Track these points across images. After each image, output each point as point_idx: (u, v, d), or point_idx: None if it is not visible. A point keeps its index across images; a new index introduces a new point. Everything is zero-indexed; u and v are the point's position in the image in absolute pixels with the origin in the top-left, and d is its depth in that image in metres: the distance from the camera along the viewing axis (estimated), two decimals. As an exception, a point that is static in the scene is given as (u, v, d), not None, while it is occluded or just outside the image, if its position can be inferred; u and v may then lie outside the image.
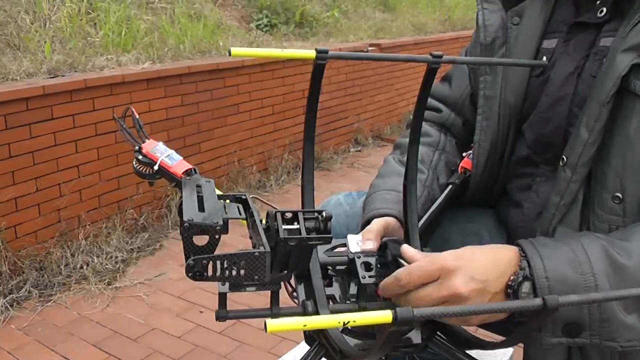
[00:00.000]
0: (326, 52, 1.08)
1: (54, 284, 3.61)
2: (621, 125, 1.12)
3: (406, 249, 1.16)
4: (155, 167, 1.36)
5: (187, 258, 0.93)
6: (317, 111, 1.17)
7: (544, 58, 1.35)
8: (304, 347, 1.24)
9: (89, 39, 4.67)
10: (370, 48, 6.61)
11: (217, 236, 0.97)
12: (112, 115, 3.97)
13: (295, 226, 1.06)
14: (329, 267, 1.23)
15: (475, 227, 1.51)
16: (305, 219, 1.07)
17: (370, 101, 6.88)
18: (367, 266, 1.20)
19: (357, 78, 6.58)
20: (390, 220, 1.36)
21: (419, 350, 1.18)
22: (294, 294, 1.17)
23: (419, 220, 1.35)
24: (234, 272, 0.93)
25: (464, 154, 1.54)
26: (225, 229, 1.02)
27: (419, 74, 8.07)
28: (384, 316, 0.72)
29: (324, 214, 1.08)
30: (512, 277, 1.04)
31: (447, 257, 1.06)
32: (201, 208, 1.02)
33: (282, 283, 1.13)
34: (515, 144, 1.43)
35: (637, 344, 1.03)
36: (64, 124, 3.79)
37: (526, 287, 1.03)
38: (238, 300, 1.29)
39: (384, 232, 1.32)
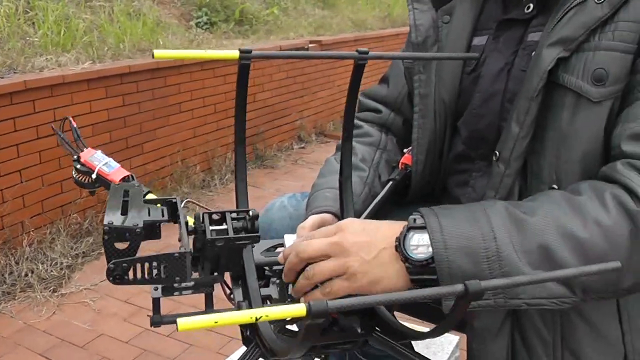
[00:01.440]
0: (250, 52, 1.08)
1: (-1, 293, 3.53)
2: (553, 118, 1.14)
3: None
4: (93, 176, 1.37)
5: (108, 262, 0.93)
6: (249, 112, 1.18)
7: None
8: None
9: (27, 38, 4.57)
10: (310, 45, 6.62)
11: (137, 239, 0.97)
12: (52, 117, 3.91)
13: (224, 227, 1.06)
14: (266, 268, 1.22)
15: None
16: (233, 219, 1.08)
17: (312, 98, 6.90)
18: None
19: (298, 75, 6.58)
20: (327, 216, 1.37)
21: (359, 346, 1.19)
22: (232, 295, 1.16)
23: (359, 216, 1.37)
24: (154, 274, 0.94)
25: (404, 150, 1.56)
26: (155, 233, 1.03)
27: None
28: (298, 309, 0.72)
29: (250, 213, 1.08)
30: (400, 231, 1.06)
31: (345, 220, 1.13)
32: (124, 212, 1.01)
33: (221, 285, 1.15)
34: (452, 140, 1.44)
35: (544, 302, 1.01)
36: (5, 128, 3.70)
37: (415, 239, 1.03)
38: (185, 302, 1.29)
39: (319, 228, 1.31)
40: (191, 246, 1.07)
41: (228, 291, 1.18)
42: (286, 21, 7.64)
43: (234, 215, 1.09)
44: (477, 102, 1.34)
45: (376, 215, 1.44)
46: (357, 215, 1.40)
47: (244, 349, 1.24)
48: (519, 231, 1.01)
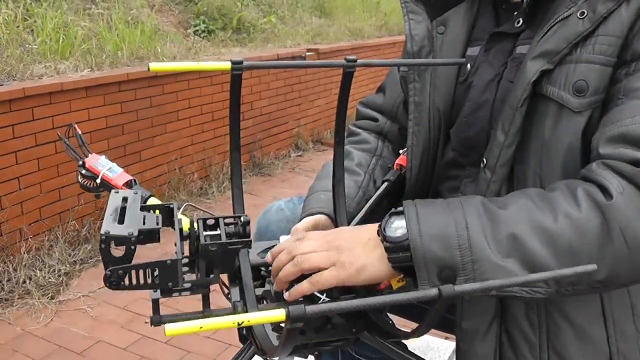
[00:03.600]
0: (241, 62, 1.12)
1: (-4, 300, 3.53)
2: (536, 127, 1.18)
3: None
4: (98, 180, 1.42)
5: (106, 268, 0.98)
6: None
7: (468, 65, 1.40)
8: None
9: (26, 46, 4.58)
10: (308, 53, 6.64)
11: (132, 246, 1.01)
12: (51, 124, 3.93)
13: (217, 232, 1.11)
14: (262, 268, 1.26)
15: None
16: (226, 225, 1.12)
17: (309, 106, 6.91)
18: None
19: (295, 83, 6.60)
20: (321, 217, 1.41)
21: (351, 344, 1.22)
22: (229, 295, 1.19)
23: (353, 218, 1.43)
24: (148, 280, 1.00)
25: (400, 151, 1.59)
26: (154, 237, 1.07)
27: (357, 78, 8.12)
28: (278, 315, 0.75)
29: (242, 218, 1.12)
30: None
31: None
32: (121, 220, 1.05)
33: (219, 285, 1.19)
34: (445, 148, 1.47)
35: (515, 289, 1.06)
36: (4, 135, 3.71)
37: (396, 223, 1.10)
38: (185, 302, 1.33)
39: (313, 229, 1.37)
40: (187, 250, 1.13)
41: (226, 291, 1.21)
42: (283, 29, 7.67)
43: (227, 220, 1.14)
44: (468, 111, 1.37)
45: (370, 216, 1.48)
46: (352, 217, 1.44)
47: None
48: (491, 221, 1.06)
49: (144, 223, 1.07)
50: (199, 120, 5.34)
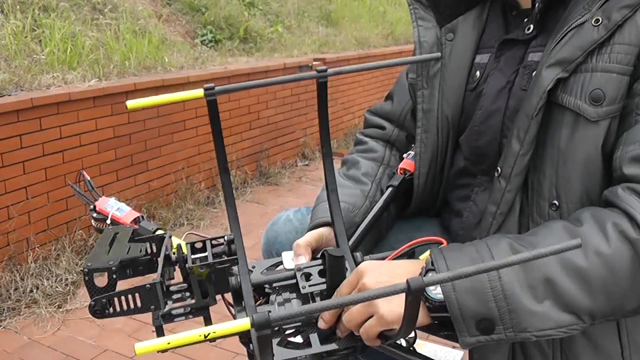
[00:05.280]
0: (213, 88, 1.15)
1: (3, 309, 3.52)
2: (552, 136, 1.18)
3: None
4: (108, 221, 1.49)
5: (91, 298, 1.04)
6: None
7: (477, 73, 1.41)
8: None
9: (34, 56, 4.60)
10: (314, 62, 6.65)
11: (114, 276, 1.06)
12: (58, 134, 3.94)
13: (205, 254, 1.14)
14: (266, 286, 1.27)
15: (421, 237, 1.56)
16: (213, 246, 1.15)
17: (315, 115, 6.84)
18: (307, 277, 1.25)
19: (301, 93, 6.61)
20: (323, 230, 1.40)
21: (358, 352, 1.21)
22: (235, 315, 1.21)
23: (357, 227, 1.44)
24: (131, 306, 1.04)
25: (403, 155, 1.59)
26: (151, 267, 1.14)
27: (364, 87, 8.16)
28: (242, 324, 0.76)
29: (225, 237, 1.15)
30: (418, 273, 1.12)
31: (361, 264, 1.17)
32: (108, 252, 1.12)
33: (225, 305, 1.23)
34: (454, 155, 1.48)
35: (552, 332, 1.05)
36: (11, 145, 3.72)
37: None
38: (191, 325, 1.33)
39: (316, 243, 1.36)
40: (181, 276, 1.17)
41: (233, 310, 1.22)
42: (290, 39, 7.68)
43: (215, 242, 1.17)
44: (479, 119, 1.37)
45: (376, 222, 1.48)
46: (357, 225, 1.44)
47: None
48: (523, 267, 1.05)
49: (127, 253, 1.12)
50: (206, 129, 5.33)
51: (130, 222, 1.46)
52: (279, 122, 6.32)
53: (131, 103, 1.12)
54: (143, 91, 4.60)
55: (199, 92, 1.14)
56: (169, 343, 0.75)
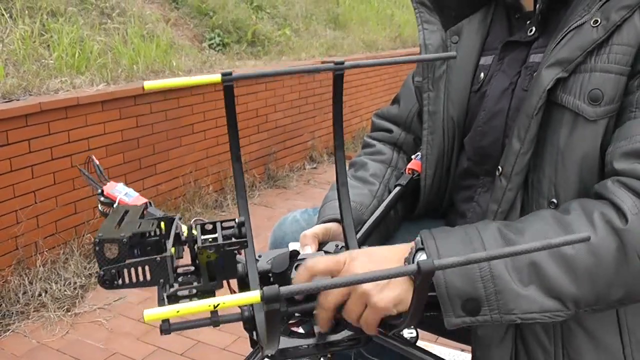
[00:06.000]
0: (230, 73, 1.14)
1: (12, 313, 3.54)
2: (552, 135, 1.19)
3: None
4: (115, 205, 1.47)
5: (100, 269, 1.03)
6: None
7: (482, 74, 1.42)
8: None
9: (42, 61, 4.62)
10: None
11: (124, 247, 1.04)
12: (67, 138, 3.96)
13: (215, 235, 1.13)
14: (270, 274, 1.26)
15: None
16: (223, 228, 1.14)
17: (324, 118, 6.92)
18: None
19: (309, 96, 6.62)
20: (332, 225, 1.41)
21: (363, 344, 1.21)
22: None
23: (366, 222, 1.44)
24: (140, 278, 1.03)
25: (412, 157, 1.60)
26: (156, 245, 1.11)
27: (371, 90, 8.15)
28: (252, 296, 0.75)
29: (236, 220, 1.13)
30: (407, 254, 1.13)
31: (351, 250, 1.18)
32: (118, 227, 1.10)
33: (230, 291, 1.21)
34: (459, 156, 1.49)
35: (537, 316, 1.06)
36: (20, 149, 3.74)
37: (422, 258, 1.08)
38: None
39: (322, 236, 1.37)
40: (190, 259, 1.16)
41: None
42: (298, 42, 7.70)
43: (226, 224, 1.15)
44: (482, 120, 1.38)
45: (383, 220, 1.49)
46: (364, 223, 1.45)
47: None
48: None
49: (138, 227, 1.11)
50: (214, 133, 5.36)
51: None
52: (287, 125, 6.33)
53: (149, 84, 1.11)
54: (151, 95, 4.63)
55: (216, 77, 1.13)
56: (178, 311, 0.75)
